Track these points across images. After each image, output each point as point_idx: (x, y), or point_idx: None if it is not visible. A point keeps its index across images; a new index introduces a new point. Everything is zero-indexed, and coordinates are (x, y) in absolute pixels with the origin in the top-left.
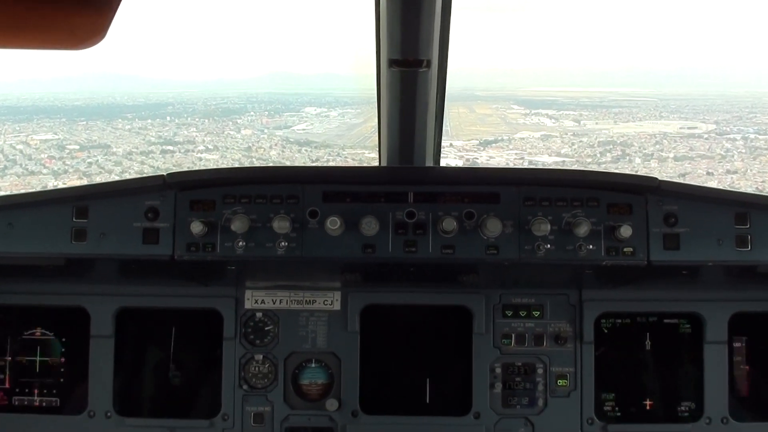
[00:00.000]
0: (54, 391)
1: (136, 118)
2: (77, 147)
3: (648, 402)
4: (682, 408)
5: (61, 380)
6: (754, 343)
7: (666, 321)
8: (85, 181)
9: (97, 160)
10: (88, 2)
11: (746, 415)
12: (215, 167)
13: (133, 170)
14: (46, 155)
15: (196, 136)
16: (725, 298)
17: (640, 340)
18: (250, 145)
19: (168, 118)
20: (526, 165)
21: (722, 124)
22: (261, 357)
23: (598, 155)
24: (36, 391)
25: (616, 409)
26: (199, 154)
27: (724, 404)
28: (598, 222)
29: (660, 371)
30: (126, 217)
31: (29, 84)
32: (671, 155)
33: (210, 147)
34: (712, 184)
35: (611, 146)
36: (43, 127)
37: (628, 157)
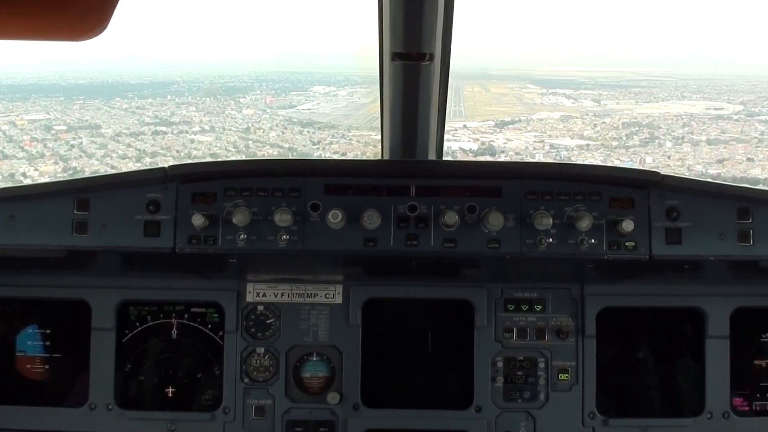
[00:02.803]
0: (55, 384)
1: (135, 97)
2: (65, 128)
3: (649, 396)
4: (684, 402)
5: (63, 373)
6: (756, 338)
7: (668, 315)
8: (60, 166)
9: (81, 143)
10: None
11: (747, 411)
12: (216, 160)
13: (116, 154)
14: (29, 137)
15: (195, 116)
16: (727, 293)
17: (642, 334)
18: (249, 125)
19: (168, 97)
20: (546, 148)
21: (749, 104)
22: (262, 350)
23: (624, 138)
24: (37, 384)
25: (618, 403)
26: (192, 136)
27: (725, 399)
28: (600, 216)
29: (661, 366)
30: (127, 209)
31: (40, 64)
32: (703, 138)
33: (206, 128)
34: (755, 172)
35: (637, 128)
36: (37, 106)
37: (657, 141)
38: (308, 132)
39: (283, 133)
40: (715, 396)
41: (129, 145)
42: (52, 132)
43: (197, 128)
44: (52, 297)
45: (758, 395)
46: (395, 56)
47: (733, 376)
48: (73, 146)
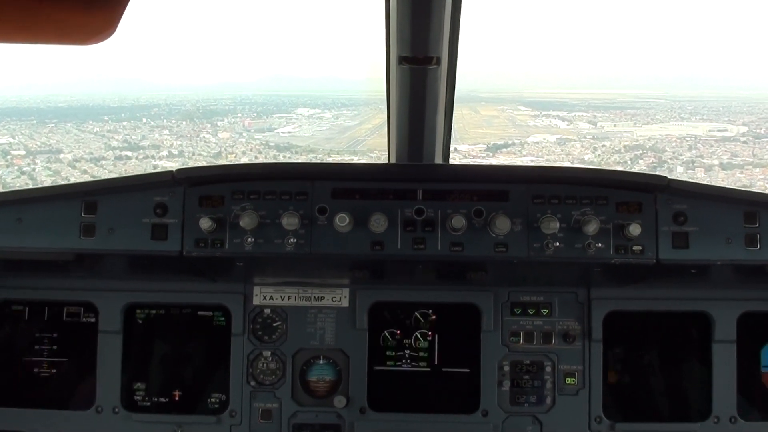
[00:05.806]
0: (62, 386)
1: (110, 120)
2: (23, 152)
3: (656, 400)
4: (690, 407)
5: (69, 375)
6: (763, 342)
7: (674, 320)
8: None
9: (35, 169)
10: None
11: (754, 415)
12: (225, 163)
13: (66, 182)
14: None
15: (166, 139)
16: (734, 297)
17: (649, 338)
18: (221, 150)
19: (144, 120)
20: None
21: (753, 126)
22: (269, 353)
23: (629, 162)
24: (44, 386)
25: (624, 407)
26: (157, 161)
27: (732, 403)
28: (607, 220)
29: (668, 370)
30: (135, 212)
31: (24, 87)
32: (716, 162)
33: (174, 153)
34: None
35: (641, 151)
36: (4, 129)
37: (666, 165)
38: (284, 157)
39: (256, 158)
40: (722, 400)
41: (85, 172)
42: (8, 157)
43: (165, 153)
44: (59, 299)
45: (765, 400)
46: (402, 60)
47: (740, 380)
48: (23, 173)
